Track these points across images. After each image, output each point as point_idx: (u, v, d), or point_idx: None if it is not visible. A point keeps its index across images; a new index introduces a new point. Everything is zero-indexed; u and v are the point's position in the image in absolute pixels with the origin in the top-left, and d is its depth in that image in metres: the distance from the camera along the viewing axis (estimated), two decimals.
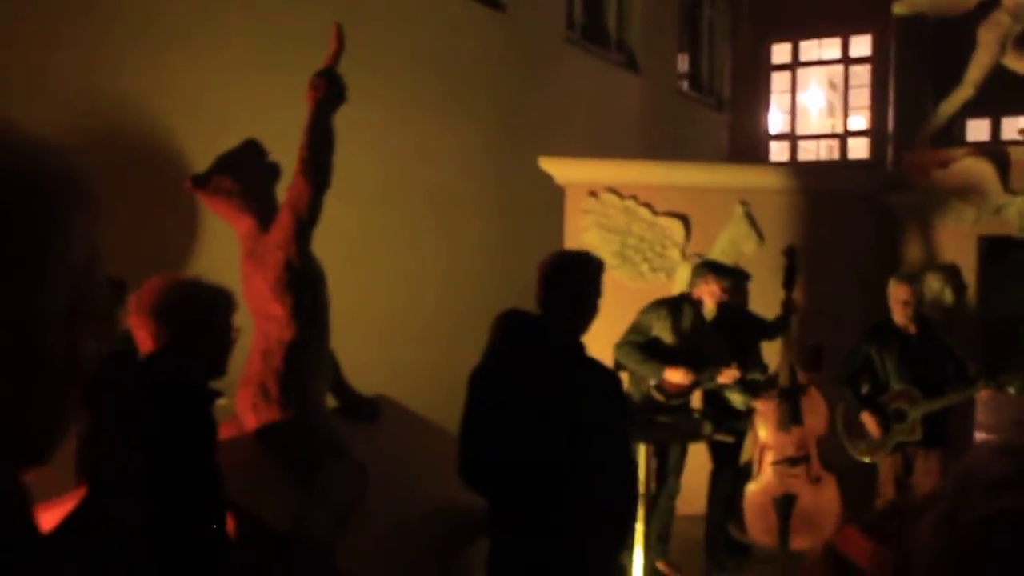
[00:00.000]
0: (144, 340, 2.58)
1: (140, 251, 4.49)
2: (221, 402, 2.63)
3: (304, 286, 3.41)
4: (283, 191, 3.51)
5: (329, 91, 3.32)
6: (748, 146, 14.19)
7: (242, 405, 3.45)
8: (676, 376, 5.45)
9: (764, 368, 6.14)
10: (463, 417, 3.21)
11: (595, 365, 3.23)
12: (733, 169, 8.46)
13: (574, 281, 3.26)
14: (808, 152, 14.94)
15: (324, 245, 3.63)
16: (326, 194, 3.37)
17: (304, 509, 3.09)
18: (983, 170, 7.08)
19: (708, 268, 5.87)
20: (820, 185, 7.67)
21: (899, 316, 5.69)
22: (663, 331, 5.61)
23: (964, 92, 7.43)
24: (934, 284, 7.00)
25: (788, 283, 5.93)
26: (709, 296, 5.76)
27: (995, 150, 7.27)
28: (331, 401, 3.87)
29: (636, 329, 5.63)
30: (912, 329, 5.69)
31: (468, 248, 8.34)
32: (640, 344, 5.56)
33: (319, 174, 3.32)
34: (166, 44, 5.70)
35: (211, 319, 2.59)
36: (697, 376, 5.51)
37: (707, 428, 5.43)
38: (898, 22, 12.33)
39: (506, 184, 8.71)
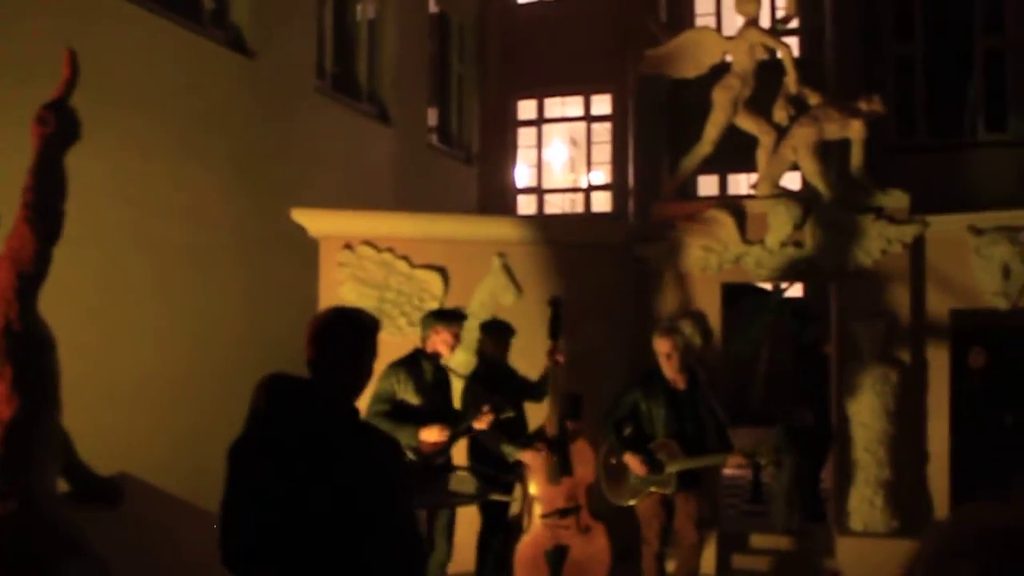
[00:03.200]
0: None
1: None
2: None
3: (28, 354, 2.91)
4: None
5: (60, 126, 2.88)
6: (496, 199, 14.43)
7: None
8: (432, 435, 5.22)
9: (520, 413, 6.03)
10: (224, 497, 2.83)
11: (372, 431, 2.96)
12: (490, 221, 8.46)
13: (348, 340, 2.97)
14: (553, 206, 15.40)
15: (49, 302, 3.14)
16: (55, 245, 2.91)
17: None
18: (724, 221, 7.45)
19: (436, 318, 5.70)
20: (575, 237, 7.81)
21: (666, 369, 5.80)
22: (406, 392, 5.39)
23: (703, 149, 7.82)
24: (686, 329, 7.26)
25: (554, 333, 5.91)
26: (443, 345, 5.59)
27: (734, 203, 7.69)
28: (62, 485, 3.33)
29: (380, 398, 5.35)
30: (680, 383, 5.81)
31: (210, 304, 7.81)
32: (388, 412, 5.29)
33: (47, 221, 2.85)
34: None
35: None
36: (452, 430, 5.32)
37: (481, 488, 5.26)
38: (637, 83, 13.01)
39: (256, 236, 8.27)
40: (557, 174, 15.89)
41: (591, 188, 14.87)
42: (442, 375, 5.60)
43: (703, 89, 7.95)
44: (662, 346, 5.81)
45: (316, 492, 2.78)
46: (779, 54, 7.65)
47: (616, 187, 14.46)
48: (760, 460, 6.06)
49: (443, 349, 5.57)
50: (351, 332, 2.97)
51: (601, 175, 14.98)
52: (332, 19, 10.57)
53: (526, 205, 15.07)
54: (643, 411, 5.83)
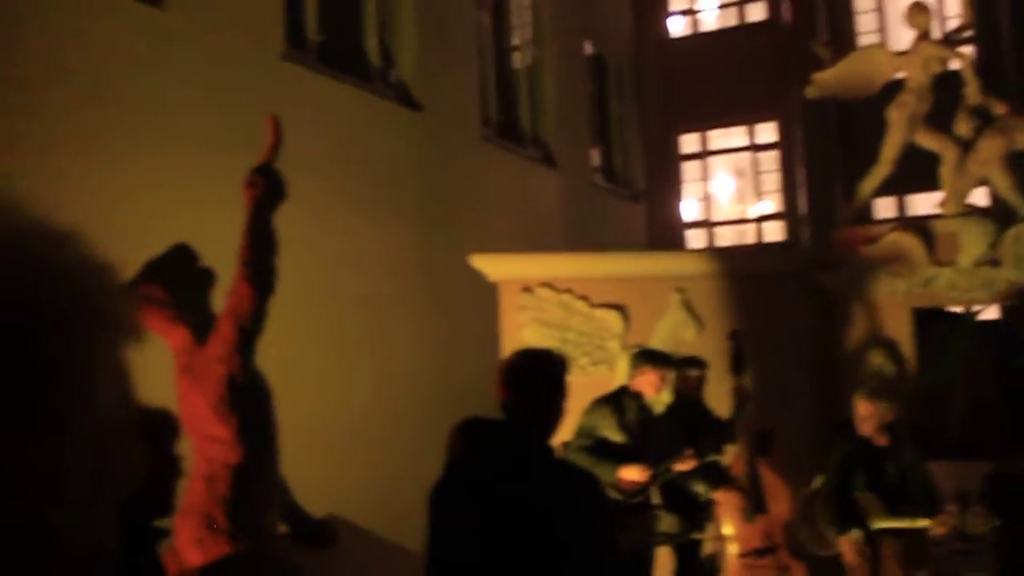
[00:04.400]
0: None
1: (54, 371, 4.09)
2: None
3: (250, 403, 3.08)
4: (218, 299, 3.21)
5: (268, 188, 3.06)
6: (665, 235, 14.31)
7: (184, 539, 3.05)
8: (632, 473, 5.20)
9: (721, 455, 5.94)
10: (427, 539, 2.89)
11: (572, 471, 2.96)
12: (667, 257, 8.42)
13: (541, 382, 3.00)
14: (723, 238, 15.13)
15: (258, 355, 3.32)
16: (270, 300, 3.08)
17: None
18: (910, 243, 7.15)
19: (645, 358, 5.67)
20: (753, 268, 7.64)
21: (861, 429, 5.57)
22: (609, 429, 5.38)
23: (882, 170, 7.55)
24: (876, 359, 6.96)
25: (737, 368, 5.80)
26: (649, 386, 5.56)
27: (920, 224, 7.37)
28: (281, 527, 3.49)
29: (582, 432, 5.37)
30: (880, 441, 5.57)
31: (403, 351, 8.04)
32: (590, 447, 5.30)
33: (263, 277, 3.03)
34: (73, 154, 5.37)
35: (154, 448, 2.26)
36: (654, 470, 5.27)
37: (683, 528, 5.19)
38: (803, 107, 12.69)
39: (437, 283, 8.49)
40: (724, 206, 15.64)
41: (761, 219, 14.55)
42: (645, 415, 5.57)
43: (873, 108, 7.71)
44: (862, 409, 5.57)
45: (518, 532, 2.80)
46: (956, 65, 7.32)
47: (787, 216, 14.09)
48: (969, 530, 5.65)
49: (648, 390, 5.55)
50: (542, 373, 3.00)
51: (770, 204, 14.65)
52: (493, 68, 10.81)
53: (695, 239, 14.87)
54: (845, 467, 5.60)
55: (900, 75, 7.48)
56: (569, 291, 7.23)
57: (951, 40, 7.88)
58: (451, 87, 9.54)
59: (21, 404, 3.99)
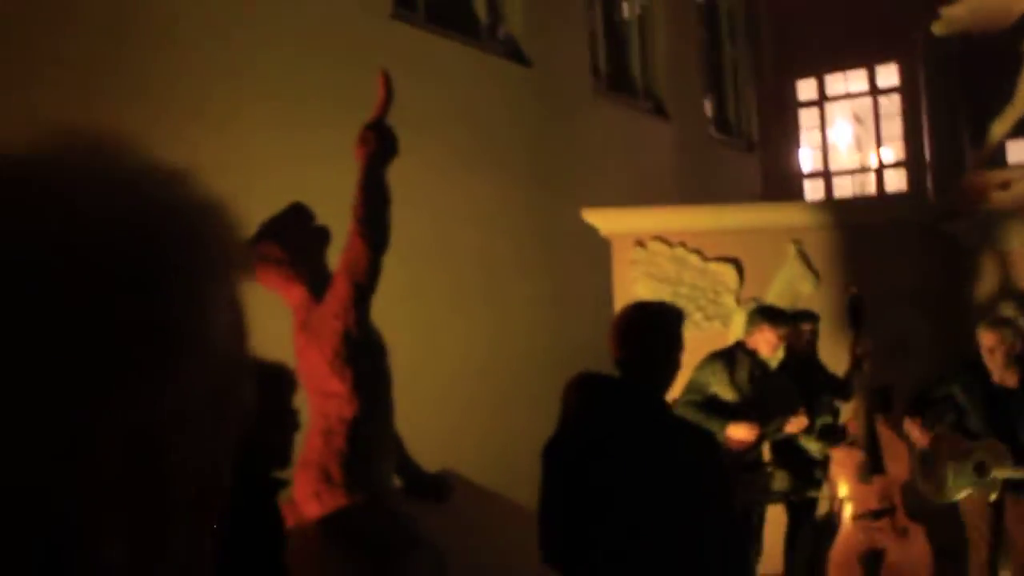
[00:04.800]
0: None
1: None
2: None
3: (365, 358, 3.12)
4: (333, 256, 3.25)
5: (381, 144, 3.08)
6: (781, 186, 13.92)
7: (301, 492, 3.14)
8: (740, 432, 5.10)
9: (836, 413, 5.80)
10: (542, 496, 2.89)
11: (686, 427, 2.93)
12: (782, 208, 8.18)
13: (655, 336, 2.95)
14: (843, 188, 14.63)
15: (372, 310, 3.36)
16: (384, 255, 3.10)
17: None
18: None
19: (763, 316, 5.54)
20: (873, 219, 7.37)
21: (990, 364, 5.29)
22: (720, 386, 5.28)
23: (1017, 110, 7.13)
24: (1007, 311, 6.64)
25: (856, 327, 5.62)
26: (765, 344, 5.43)
27: None
28: (395, 481, 3.55)
29: (693, 388, 5.28)
30: (1009, 380, 5.28)
31: (517, 308, 8.08)
32: (699, 403, 5.21)
33: (377, 233, 3.06)
34: (187, 116, 5.53)
35: (274, 403, 2.31)
36: (763, 429, 5.17)
37: (796, 485, 5.08)
38: (925, 48, 12.10)
39: (549, 240, 8.48)
40: (843, 155, 15.11)
41: (882, 167, 14.00)
42: (759, 372, 5.45)
43: (1002, 46, 7.27)
44: (986, 339, 5.28)
45: (634, 488, 2.78)
46: None
47: (910, 164, 13.52)
48: None
49: (765, 348, 5.43)
50: (657, 327, 2.95)
51: (891, 152, 14.07)
52: (602, 20, 10.64)
53: (813, 190, 14.43)
54: (963, 407, 5.36)
55: None
56: (682, 244, 7.10)
57: None
58: (560, 41, 9.44)
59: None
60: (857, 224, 7.10)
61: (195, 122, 5.55)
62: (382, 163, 3.14)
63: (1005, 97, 7.21)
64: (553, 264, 8.53)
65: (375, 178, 3.12)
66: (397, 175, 6.26)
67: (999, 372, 5.26)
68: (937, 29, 7.52)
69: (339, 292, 3.09)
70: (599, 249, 7.35)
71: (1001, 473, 5.15)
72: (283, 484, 2.28)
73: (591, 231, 7.31)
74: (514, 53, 8.83)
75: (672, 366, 2.99)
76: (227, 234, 0.58)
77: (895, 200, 12.89)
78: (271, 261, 3.24)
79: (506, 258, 8.11)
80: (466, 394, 7.23)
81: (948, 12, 7.33)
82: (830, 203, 10.94)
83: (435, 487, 3.68)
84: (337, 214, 3.31)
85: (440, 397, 6.88)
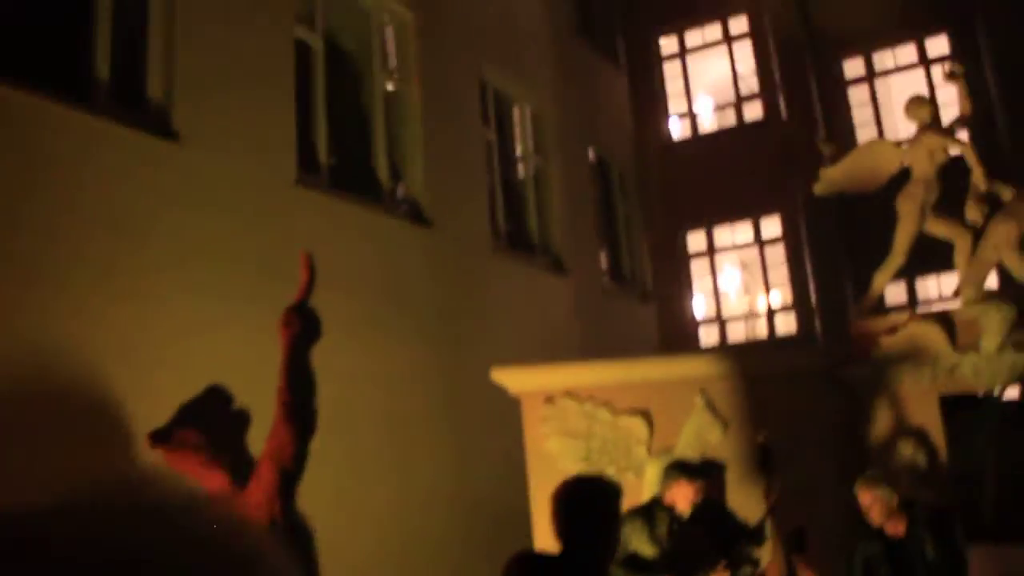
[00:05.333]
0: None
1: None
2: None
3: (293, 548, 2.99)
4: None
5: (305, 326, 3.05)
6: (678, 333, 14.29)
7: None
8: None
9: (755, 563, 5.80)
10: None
11: None
12: (688, 359, 8.35)
13: (598, 509, 2.94)
14: (736, 332, 15.10)
15: None
16: (311, 441, 3.03)
17: None
18: (932, 333, 7.10)
19: (679, 471, 5.60)
20: (773, 367, 7.58)
21: (872, 519, 5.46)
22: (640, 543, 5.27)
23: (895, 260, 7.55)
24: (906, 449, 6.85)
25: (767, 473, 5.71)
26: (683, 499, 5.48)
27: (939, 313, 7.35)
28: None
29: None
30: (896, 530, 5.44)
31: (421, 468, 7.94)
32: (625, 562, 5.17)
33: (304, 419, 2.98)
34: (91, 287, 5.41)
35: None
36: None
37: None
38: (806, 200, 12.81)
39: (456, 397, 8.44)
40: (732, 301, 15.67)
41: (772, 312, 14.54)
42: (676, 526, 5.45)
43: (873, 197, 7.77)
44: (863, 498, 5.49)
45: None
46: (959, 152, 7.40)
47: (798, 308, 14.09)
48: None
49: (682, 503, 5.46)
50: (600, 501, 2.94)
51: (779, 297, 14.66)
52: (500, 179, 10.95)
53: (707, 336, 14.85)
54: (875, 567, 5.46)
55: (906, 165, 7.54)
56: (591, 399, 7.15)
57: (953, 129, 7.98)
58: (460, 201, 9.66)
59: None
60: (759, 372, 7.29)
61: (97, 293, 5.43)
62: (307, 345, 3.10)
63: (882, 245, 7.63)
64: (460, 421, 8.46)
65: (300, 361, 3.07)
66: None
67: (883, 524, 5.42)
68: (817, 189, 7.98)
69: (264, 480, 2.97)
70: (508, 405, 7.33)
71: None
72: None
73: (498, 388, 7.31)
74: (415, 214, 8.97)
75: (613, 541, 2.98)
76: None
77: (791, 346, 13.35)
78: (189, 447, 3.12)
79: (411, 417, 8.02)
80: (365, 558, 6.98)
81: (826, 174, 7.81)
82: (733, 352, 11.24)
83: None
84: (252, 384, 3.24)
85: (339, 562, 6.63)
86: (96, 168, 5.59)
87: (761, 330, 14.84)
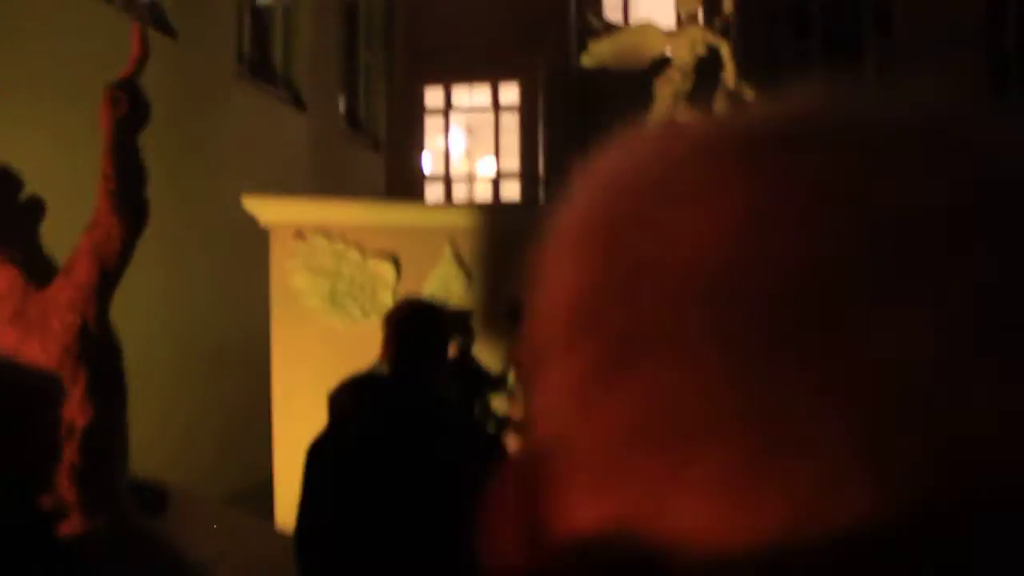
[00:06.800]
0: None
1: None
2: None
3: (102, 357, 2.66)
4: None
5: (133, 107, 2.65)
6: (404, 187, 14.23)
7: None
8: None
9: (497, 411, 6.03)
10: (303, 500, 2.71)
11: (458, 425, 2.87)
12: (441, 210, 8.38)
13: (430, 334, 2.88)
14: (460, 193, 15.30)
15: None
16: (140, 238, 2.67)
17: None
18: None
19: None
20: (522, 226, 7.76)
21: None
22: None
23: None
24: None
25: (515, 329, 5.90)
26: None
27: None
28: None
29: None
30: None
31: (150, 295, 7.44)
32: None
33: (133, 211, 2.63)
34: None
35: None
36: None
37: None
38: (545, 72, 13.04)
39: (191, 222, 7.89)
40: (457, 163, 15.82)
41: (499, 176, 14.84)
42: None
43: (613, 78, 8.09)
44: None
45: (398, 488, 2.69)
46: (721, 50, 7.80)
47: (524, 175, 14.48)
48: None
49: None
50: (432, 326, 2.88)
51: (493, 162, 14.96)
52: (248, 3, 10.19)
53: (433, 194, 14.93)
54: None
55: (668, 53, 7.84)
56: (342, 238, 6.98)
57: (716, 26, 8.37)
58: (207, 17, 8.90)
59: None
60: (508, 230, 7.43)
61: None
62: (134, 130, 2.71)
63: (610, 125, 7.94)
64: (195, 251, 7.98)
65: (127, 146, 2.69)
66: (26, 147, 5.51)
67: None
68: (585, 61, 8.14)
69: (79, 277, 2.59)
70: (249, 237, 7.01)
71: None
72: (59, 515, 1.87)
73: (237, 218, 6.93)
74: (161, 22, 8.12)
75: (445, 363, 2.96)
76: None
77: (541, 209, 13.73)
78: None
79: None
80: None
81: (595, 48, 7.97)
82: (486, 208, 11.40)
83: (152, 498, 3.23)
84: (50, 186, 2.81)
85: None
86: None
87: (485, 193, 15.14)
